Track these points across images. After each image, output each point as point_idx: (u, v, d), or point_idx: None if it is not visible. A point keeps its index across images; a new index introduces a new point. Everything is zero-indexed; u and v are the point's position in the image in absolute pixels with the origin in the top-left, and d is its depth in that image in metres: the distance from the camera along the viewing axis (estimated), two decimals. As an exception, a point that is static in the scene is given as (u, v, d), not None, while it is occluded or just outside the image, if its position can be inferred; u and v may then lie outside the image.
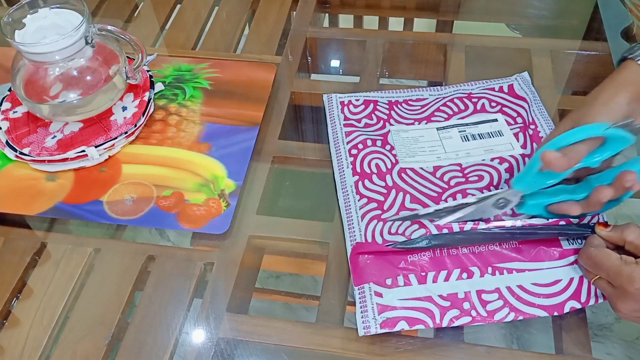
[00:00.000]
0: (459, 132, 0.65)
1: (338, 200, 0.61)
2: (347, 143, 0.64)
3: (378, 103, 0.69)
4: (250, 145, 0.66)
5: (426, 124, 0.67)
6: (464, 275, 0.53)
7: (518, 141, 0.63)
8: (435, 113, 0.68)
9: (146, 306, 0.55)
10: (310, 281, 1.25)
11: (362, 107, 0.69)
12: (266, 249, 0.62)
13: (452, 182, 0.60)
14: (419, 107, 0.69)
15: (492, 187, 0.59)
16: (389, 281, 0.53)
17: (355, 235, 0.56)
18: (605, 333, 1.10)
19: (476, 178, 0.60)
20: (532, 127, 0.65)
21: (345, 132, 0.66)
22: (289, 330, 0.53)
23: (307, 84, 0.78)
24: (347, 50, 0.83)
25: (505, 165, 0.61)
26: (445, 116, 0.67)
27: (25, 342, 0.53)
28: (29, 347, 0.53)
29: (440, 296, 0.52)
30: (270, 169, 0.66)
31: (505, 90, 0.69)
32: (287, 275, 1.28)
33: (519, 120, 0.66)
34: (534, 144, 0.63)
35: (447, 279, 0.53)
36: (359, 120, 0.67)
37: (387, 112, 0.68)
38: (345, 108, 0.69)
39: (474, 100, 0.68)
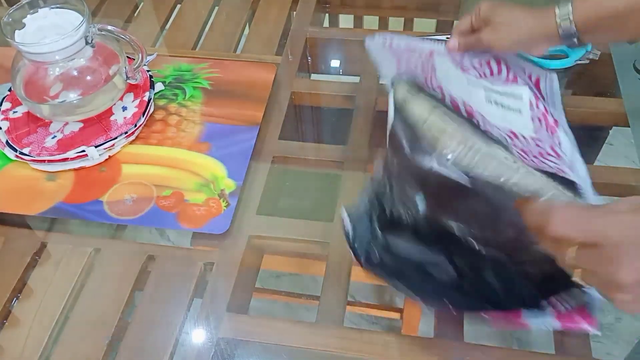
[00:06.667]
0: (484, 92, 0.64)
1: None
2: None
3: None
4: (250, 145, 0.66)
5: (462, 72, 0.65)
6: None
7: (533, 125, 0.62)
8: (471, 66, 0.66)
9: (146, 306, 0.55)
10: (310, 281, 1.25)
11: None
12: (266, 249, 0.62)
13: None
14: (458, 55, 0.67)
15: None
16: None
17: None
18: (606, 333, 1.10)
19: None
20: (553, 124, 0.62)
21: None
22: (289, 330, 0.53)
23: (307, 84, 0.78)
24: (347, 50, 0.83)
25: (516, 141, 0.60)
26: (478, 75, 0.66)
27: (25, 342, 0.53)
28: (29, 347, 0.53)
29: None
30: (270, 169, 0.66)
31: (533, 79, 0.68)
32: (287, 275, 1.28)
33: (542, 107, 0.64)
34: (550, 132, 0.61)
35: None
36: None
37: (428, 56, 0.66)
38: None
39: (508, 67, 0.67)
